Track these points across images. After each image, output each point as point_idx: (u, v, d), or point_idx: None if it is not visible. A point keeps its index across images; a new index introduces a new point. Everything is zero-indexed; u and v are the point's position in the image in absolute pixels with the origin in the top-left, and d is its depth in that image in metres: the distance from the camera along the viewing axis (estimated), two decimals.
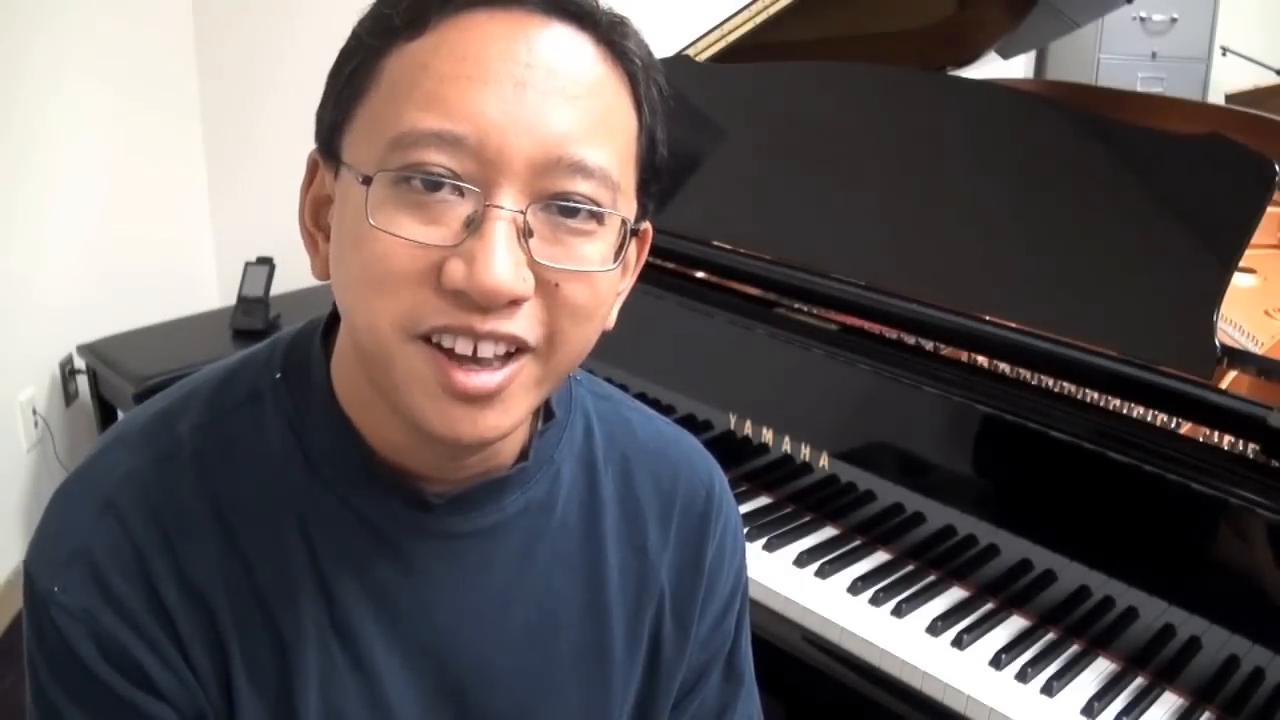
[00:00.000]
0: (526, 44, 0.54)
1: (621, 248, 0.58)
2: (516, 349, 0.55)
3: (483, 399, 0.54)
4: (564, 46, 0.55)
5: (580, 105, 0.54)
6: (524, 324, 0.54)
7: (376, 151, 0.53)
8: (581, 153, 0.54)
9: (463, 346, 0.54)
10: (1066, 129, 1.29)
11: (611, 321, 0.61)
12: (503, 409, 0.55)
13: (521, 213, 0.53)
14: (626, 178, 0.58)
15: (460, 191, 0.53)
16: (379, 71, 0.55)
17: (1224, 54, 3.47)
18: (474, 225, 0.53)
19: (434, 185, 0.53)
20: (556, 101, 0.53)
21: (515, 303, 0.53)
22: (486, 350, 0.54)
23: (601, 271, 0.56)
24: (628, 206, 0.58)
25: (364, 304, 0.55)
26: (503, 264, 0.52)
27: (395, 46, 0.55)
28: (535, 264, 0.54)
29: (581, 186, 0.54)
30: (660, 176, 0.61)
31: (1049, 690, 1.08)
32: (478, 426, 0.55)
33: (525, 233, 0.53)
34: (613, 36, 0.57)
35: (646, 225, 0.62)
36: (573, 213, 0.55)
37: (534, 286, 0.54)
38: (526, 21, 0.54)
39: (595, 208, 0.55)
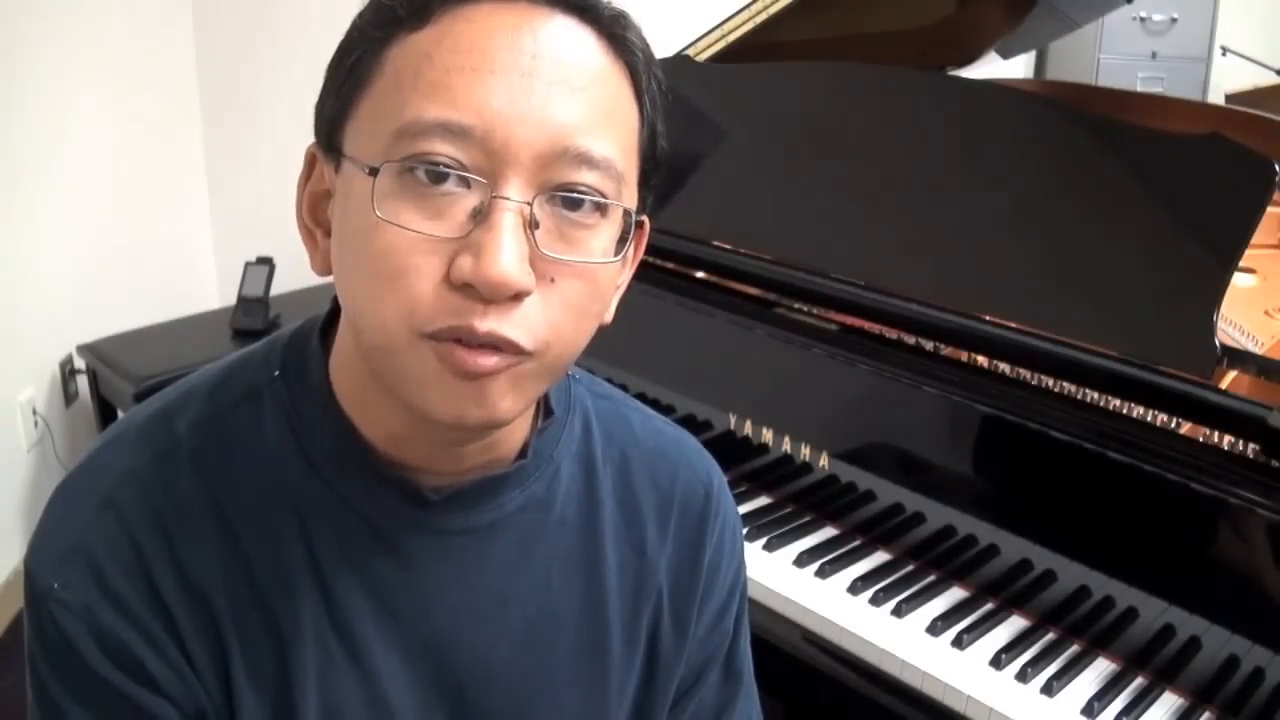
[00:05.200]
0: (532, 35, 0.54)
1: (624, 240, 0.58)
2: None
3: (485, 377, 0.54)
4: (568, 38, 0.55)
5: (585, 96, 0.54)
6: (521, 328, 0.54)
7: (380, 142, 0.53)
8: (587, 143, 0.54)
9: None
10: (1066, 129, 1.29)
11: (610, 315, 0.61)
12: (503, 393, 0.55)
13: (528, 204, 0.53)
14: (629, 169, 0.58)
15: (466, 183, 0.53)
16: (381, 63, 0.55)
17: (1224, 54, 3.47)
18: (481, 217, 0.53)
19: (439, 176, 0.53)
20: (562, 92, 0.54)
21: (518, 297, 0.53)
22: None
23: (604, 264, 0.56)
24: (630, 198, 0.58)
25: (370, 299, 0.55)
26: (510, 256, 0.52)
27: (398, 37, 0.55)
28: (539, 257, 0.54)
29: (587, 177, 0.55)
30: (660, 169, 0.62)
31: (1049, 690, 1.08)
32: (482, 408, 0.55)
33: (531, 224, 0.53)
34: (614, 29, 0.57)
35: (645, 218, 0.62)
36: (576, 205, 0.55)
37: (535, 281, 0.54)
38: (530, 13, 0.54)
39: (600, 199, 0.55)
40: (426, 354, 0.54)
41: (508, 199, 0.53)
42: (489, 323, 0.53)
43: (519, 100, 0.53)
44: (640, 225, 0.62)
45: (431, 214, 0.53)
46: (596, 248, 0.56)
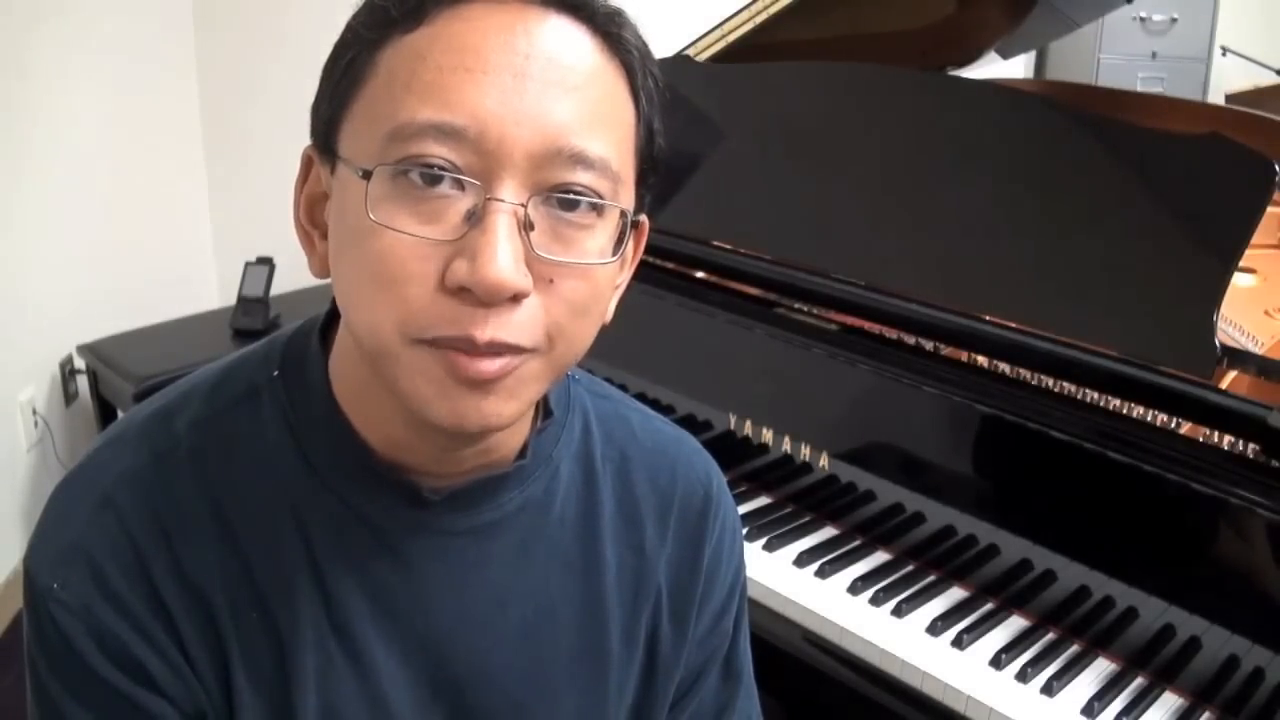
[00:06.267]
0: (525, 35, 0.53)
1: (621, 240, 0.57)
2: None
3: (486, 384, 0.54)
4: (562, 37, 0.55)
5: (579, 95, 0.54)
6: (520, 330, 0.54)
7: (374, 144, 0.53)
8: (581, 143, 0.54)
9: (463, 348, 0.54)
10: (1066, 129, 1.29)
11: (609, 316, 0.61)
12: (504, 396, 0.55)
13: (523, 205, 0.53)
14: (626, 168, 0.58)
15: (460, 185, 0.53)
16: (375, 64, 0.55)
17: (1224, 54, 3.47)
18: (475, 219, 0.52)
19: (433, 179, 0.52)
20: (556, 92, 0.53)
21: (516, 299, 0.53)
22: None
23: (601, 264, 0.56)
24: (627, 197, 0.58)
25: (365, 303, 0.54)
26: (505, 258, 0.52)
27: (392, 39, 0.54)
28: (535, 259, 0.53)
29: (582, 177, 0.54)
30: (658, 167, 0.61)
31: (1049, 690, 1.08)
32: (481, 413, 0.55)
33: (526, 226, 0.53)
34: (609, 28, 0.57)
35: (644, 218, 0.62)
36: (572, 205, 0.54)
37: (533, 282, 0.54)
38: (524, 13, 0.54)
39: (596, 199, 0.55)
40: (424, 357, 0.54)
41: (502, 200, 0.52)
42: (489, 331, 0.52)
43: (512, 100, 0.52)
44: (638, 225, 0.61)
45: (426, 217, 0.52)
46: (593, 248, 0.56)
